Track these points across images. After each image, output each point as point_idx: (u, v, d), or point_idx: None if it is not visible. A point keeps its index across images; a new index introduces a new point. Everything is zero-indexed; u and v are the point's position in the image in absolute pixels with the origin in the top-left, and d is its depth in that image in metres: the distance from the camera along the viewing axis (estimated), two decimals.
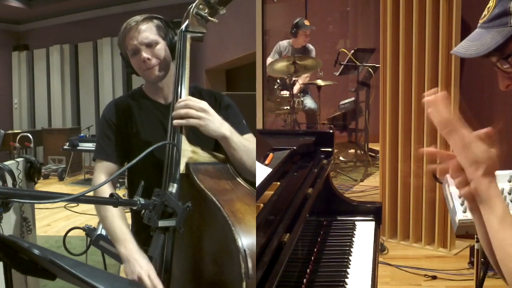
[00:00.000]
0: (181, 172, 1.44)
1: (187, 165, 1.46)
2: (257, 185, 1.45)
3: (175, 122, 1.47)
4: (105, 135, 1.77)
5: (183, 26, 1.60)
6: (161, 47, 1.68)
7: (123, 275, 1.52)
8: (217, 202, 1.29)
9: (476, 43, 1.09)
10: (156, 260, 1.46)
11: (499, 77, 1.13)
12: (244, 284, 1.15)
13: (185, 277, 1.52)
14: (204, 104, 1.47)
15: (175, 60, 1.68)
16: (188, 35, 1.60)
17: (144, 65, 1.66)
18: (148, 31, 1.66)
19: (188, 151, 1.48)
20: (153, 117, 1.75)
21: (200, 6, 1.59)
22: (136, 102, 1.79)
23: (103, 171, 1.74)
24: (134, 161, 1.17)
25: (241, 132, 1.60)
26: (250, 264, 1.16)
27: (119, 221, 1.63)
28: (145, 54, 1.65)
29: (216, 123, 1.47)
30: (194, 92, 1.70)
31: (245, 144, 1.52)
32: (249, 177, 1.53)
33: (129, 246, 1.57)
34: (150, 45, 1.66)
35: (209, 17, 1.60)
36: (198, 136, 1.56)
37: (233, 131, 1.50)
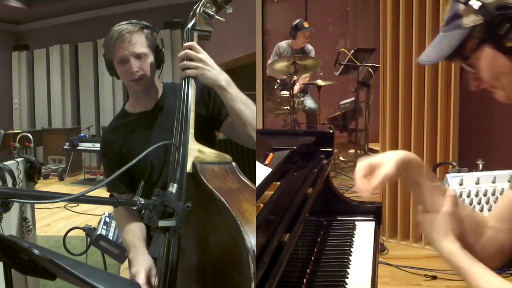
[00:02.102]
0: (187, 171, 1.44)
1: (193, 164, 1.46)
2: (257, 185, 1.45)
3: (181, 74, 1.54)
4: (107, 169, 1.84)
5: (190, 25, 1.61)
6: (150, 60, 1.69)
7: (123, 275, 1.53)
8: (225, 202, 1.29)
9: (436, 49, 1.10)
10: (162, 261, 1.47)
11: (469, 78, 1.13)
12: (253, 284, 1.15)
13: (190, 277, 1.52)
14: (203, 55, 1.53)
15: (159, 70, 1.74)
16: (195, 34, 1.61)
17: (131, 76, 1.67)
18: (139, 43, 1.67)
19: (194, 150, 1.49)
20: (142, 129, 1.76)
21: (208, 4, 1.60)
22: (122, 126, 1.81)
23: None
24: (133, 161, 1.18)
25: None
26: None
27: (131, 233, 1.73)
28: (134, 66, 1.66)
29: (213, 72, 1.53)
30: (203, 90, 1.73)
31: (242, 96, 1.56)
32: (251, 132, 1.57)
33: (136, 250, 1.65)
34: (140, 57, 1.67)
35: (216, 16, 1.61)
36: (203, 136, 1.58)
37: (231, 83, 1.55)
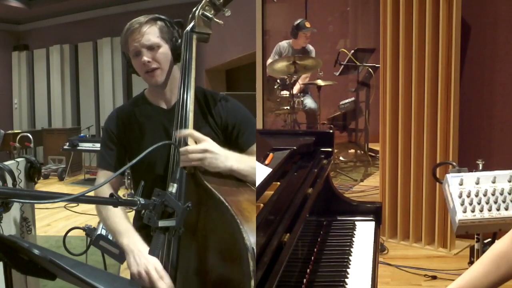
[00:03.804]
0: (187, 171, 1.45)
1: None
2: (257, 185, 1.46)
3: (181, 164, 1.45)
4: (106, 145, 1.80)
5: (189, 27, 1.61)
6: (163, 51, 1.66)
7: (123, 275, 1.52)
8: (224, 201, 1.30)
9: None
10: (162, 261, 1.47)
11: None
12: (252, 282, 1.16)
13: (190, 276, 1.52)
14: (205, 144, 1.45)
15: (179, 63, 1.68)
16: (194, 36, 1.60)
17: (144, 67, 1.65)
18: (150, 33, 1.64)
19: None
20: (155, 123, 1.74)
21: (206, 7, 1.61)
22: (138, 110, 1.78)
23: (104, 179, 1.74)
24: (133, 161, 1.18)
25: (246, 145, 1.63)
26: None
27: (120, 217, 1.66)
28: (145, 57, 1.63)
29: (221, 159, 1.45)
30: (198, 94, 1.69)
31: (252, 165, 1.50)
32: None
33: (132, 237, 1.59)
34: (152, 48, 1.64)
35: (214, 18, 1.61)
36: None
37: (240, 159, 1.48)
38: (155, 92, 1.76)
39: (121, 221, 1.65)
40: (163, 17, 1.71)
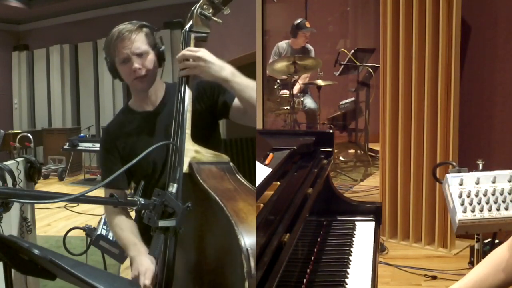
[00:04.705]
0: (184, 171, 1.44)
1: (190, 164, 1.46)
2: (257, 185, 1.45)
3: (180, 73, 1.56)
4: (104, 164, 1.84)
5: (187, 26, 1.61)
6: (151, 58, 1.70)
7: (123, 275, 1.53)
8: (220, 202, 1.30)
9: None
10: (159, 260, 1.47)
11: None
12: (246, 283, 1.16)
13: (187, 276, 1.52)
14: (200, 53, 1.52)
15: (161, 68, 1.73)
16: (192, 35, 1.61)
17: (134, 74, 1.68)
18: (139, 41, 1.67)
19: (191, 151, 1.49)
20: (144, 129, 1.76)
21: (204, 6, 1.60)
22: (126, 122, 1.81)
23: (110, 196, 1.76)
24: (132, 162, 1.18)
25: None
26: (252, 264, 1.16)
27: (129, 230, 1.71)
28: (136, 64, 1.66)
29: (214, 68, 1.51)
30: (199, 88, 1.72)
31: (250, 83, 1.53)
32: (253, 111, 1.58)
33: (137, 248, 1.63)
34: (141, 55, 1.67)
35: (213, 17, 1.61)
36: (203, 136, 1.57)
37: (236, 73, 1.52)
38: (140, 97, 1.80)
39: (128, 235, 1.70)
40: (147, 24, 1.74)
